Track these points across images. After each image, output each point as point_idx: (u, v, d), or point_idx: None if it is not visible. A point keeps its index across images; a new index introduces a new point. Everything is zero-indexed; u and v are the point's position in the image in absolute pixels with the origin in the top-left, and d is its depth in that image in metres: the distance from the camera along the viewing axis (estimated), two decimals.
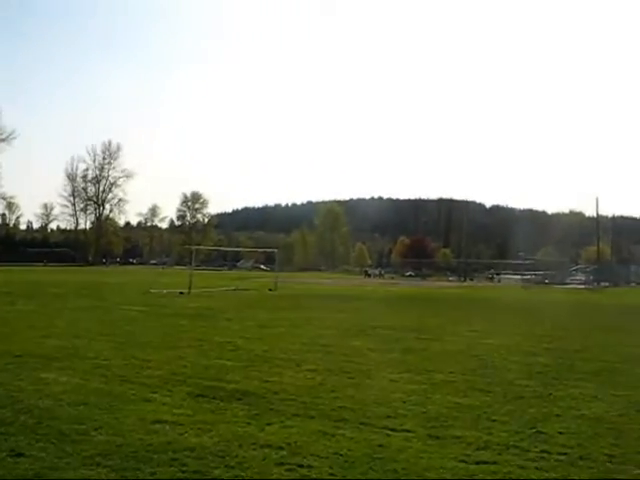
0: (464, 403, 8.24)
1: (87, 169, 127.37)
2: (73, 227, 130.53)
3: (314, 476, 5.38)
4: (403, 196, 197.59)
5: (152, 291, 33.08)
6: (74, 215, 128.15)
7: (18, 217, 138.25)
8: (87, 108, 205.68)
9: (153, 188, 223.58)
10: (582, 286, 71.76)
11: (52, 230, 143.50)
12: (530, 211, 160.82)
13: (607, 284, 72.77)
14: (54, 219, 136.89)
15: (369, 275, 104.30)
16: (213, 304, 26.26)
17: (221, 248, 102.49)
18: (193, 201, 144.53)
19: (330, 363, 11.17)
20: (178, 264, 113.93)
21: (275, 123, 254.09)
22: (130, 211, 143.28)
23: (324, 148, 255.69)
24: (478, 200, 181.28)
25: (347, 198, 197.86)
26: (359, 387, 9.15)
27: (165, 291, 33.29)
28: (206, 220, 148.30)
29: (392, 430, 6.83)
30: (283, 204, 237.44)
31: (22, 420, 6.80)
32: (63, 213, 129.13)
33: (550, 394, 8.94)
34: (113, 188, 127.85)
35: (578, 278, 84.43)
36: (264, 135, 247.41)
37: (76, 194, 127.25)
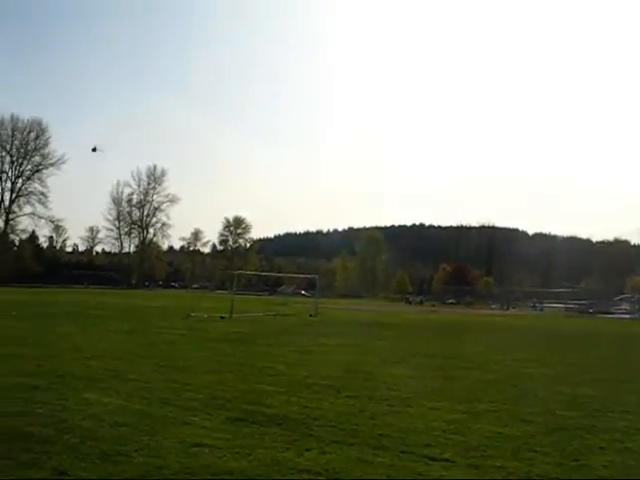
0: (505, 433, 8.13)
1: (132, 193, 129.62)
2: (117, 250, 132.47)
3: None
4: (445, 223, 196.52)
5: (193, 315, 33.25)
6: (119, 239, 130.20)
7: (65, 240, 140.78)
8: (133, 133, 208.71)
9: (196, 213, 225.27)
10: (627, 316, 70.41)
11: (97, 253, 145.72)
12: (574, 239, 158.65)
13: None
14: (99, 242, 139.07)
15: (410, 302, 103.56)
16: (254, 329, 26.32)
17: (262, 273, 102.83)
18: (235, 226, 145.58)
19: (370, 390, 11.12)
20: (219, 288, 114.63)
21: (315, 148, 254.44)
22: (173, 235, 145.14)
23: (364, 175, 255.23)
24: (521, 227, 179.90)
25: (388, 225, 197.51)
26: (399, 415, 9.08)
27: (206, 315, 33.44)
28: (248, 245, 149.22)
29: (431, 459, 6.76)
30: (324, 230, 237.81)
31: (65, 439, 6.90)
32: (108, 236, 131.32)
33: (593, 426, 8.76)
34: (157, 212, 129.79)
35: (623, 308, 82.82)
36: (305, 161, 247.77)
37: (121, 218, 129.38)
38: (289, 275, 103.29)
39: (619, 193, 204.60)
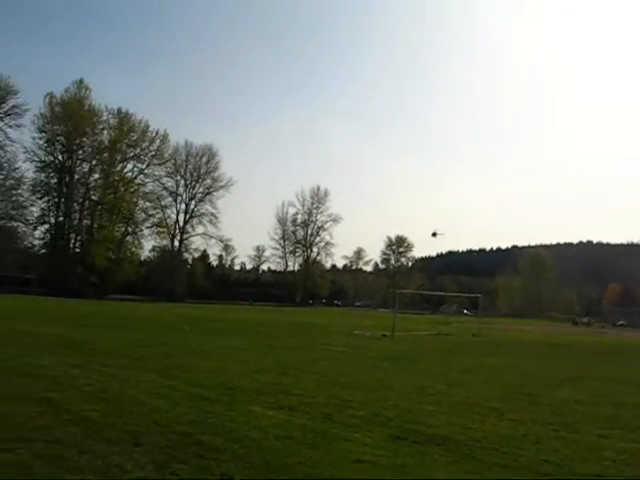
0: None
1: (296, 213, 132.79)
2: (283, 269, 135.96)
3: None
4: (614, 240, 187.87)
5: (356, 333, 33.63)
6: (284, 257, 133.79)
7: (233, 258, 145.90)
8: (299, 156, 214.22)
9: (359, 232, 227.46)
10: None
11: (263, 271, 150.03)
12: None
13: None
14: (265, 261, 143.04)
15: (577, 323, 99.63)
16: (415, 347, 26.30)
17: (424, 292, 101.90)
18: (397, 245, 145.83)
19: (534, 413, 10.85)
20: (382, 307, 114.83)
21: (488, 166, 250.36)
22: (336, 254, 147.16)
23: (526, 191, 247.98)
24: None
25: (554, 242, 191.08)
26: (564, 441, 8.78)
27: (368, 333, 33.73)
28: (410, 264, 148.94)
29: None
30: (487, 248, 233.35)
31: (233, 449, 7.23)
32: (273, 255, 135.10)
33: None
34: (320, 232, 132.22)
35: None
36: (471, 179, 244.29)
37: (286, 237, 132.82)
38: (451, 294, 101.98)
39: None
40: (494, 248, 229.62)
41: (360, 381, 13.87)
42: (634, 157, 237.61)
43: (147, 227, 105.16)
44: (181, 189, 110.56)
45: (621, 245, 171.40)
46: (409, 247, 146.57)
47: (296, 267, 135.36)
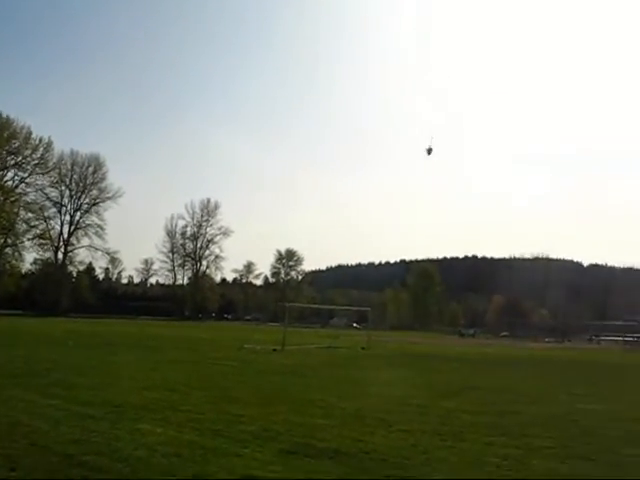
0: (562, 470, 7.96)
1: (186, 226, 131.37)
2: (171, 282, 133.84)
3: None
4: (497, 254, 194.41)
5: (246, 347, 33.40)
6: (172, 270, 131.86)
7: (120, 271, 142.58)
8: (188, 167, 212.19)
9: (249, 245, 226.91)
10: None
11: (151, 285, 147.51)
12: (632, 270, 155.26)
13: None
14: (154, 274, 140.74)
15: (463, 335, 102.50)
16: (306, 361, 26.29)
17: (314, 306, 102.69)
18: (288, 258, 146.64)
19: (423, 424, 10.99)
20: (272, 321, 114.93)
21: (366, 178, 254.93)
22: (226, 267, 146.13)
23: (415, 207, 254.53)
24: (575, 259, 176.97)
25: (440, 257, 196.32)
26: (452, 450, 8.93)
27: (259, 347, 33.56)
28: (300, 277, 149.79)
29: None
30: (376, 262, 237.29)
31: (118, 468, 6.98)
32: (162, 268, 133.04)
33: None
34: (210, 245, 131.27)
35: None
36: (357, 194, 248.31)
37: (175, 250, 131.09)
38: (341, 307, 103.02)
39: None
40: (383, 262, 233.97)
41: (250, 396, 13.71)
42: (512, 179, 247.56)
43: (29, 239, 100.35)
44: (66, 200, 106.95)
45: (504, 259, 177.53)
46: (299, 261, 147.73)
47: (185, 281, 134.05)
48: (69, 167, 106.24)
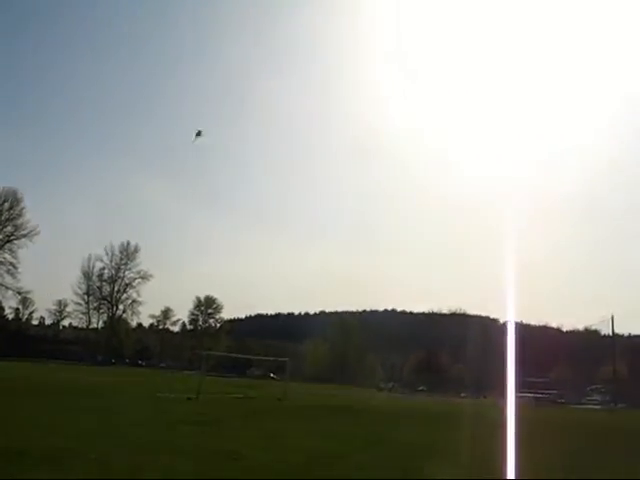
0: None
1: (104, 268, 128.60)
2: (85, 325, 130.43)
3: None
4: (417, 309, 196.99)
5: (159, 395, 32.66)
6: (87, 313, 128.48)
7: (32, 312, 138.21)
8: (109, 209, 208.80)
9: (167, 291, 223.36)
10: (598, 407, 70.26)
11: (64, 327, 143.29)
12: (545, 328, 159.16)
13: (624, 405, 71.16)
14: (67, 316, 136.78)
15: (381, 389, 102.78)
16: (220, 411, 25.82)
17: (232, 355, 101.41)
18: (207, 306, 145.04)
19: (335, 478, 10.84)
20: (188, 369, 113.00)
21: (286, 231, 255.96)
22: (143, 312, 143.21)
23: (338, 255, 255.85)
24: (492, 315, 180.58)
25: (360, 309, 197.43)
26: None
27: (173, 395, 32.88)
28: (218, 325, 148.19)
29: None
30: (296, 313, 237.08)
31: None
32: (76, 311, 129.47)
33: None
34: (128, 289, 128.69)
35: (594, 398, 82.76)
36: (277, 244, 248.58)
37: (91, 292, 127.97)
38: (259, 357, 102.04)
39: (589, 283, 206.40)
40: (302, 312, 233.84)
41: (160, 445, 13.29)
42: (428, 230, 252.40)
43: None
44: None
45: (423, 314, 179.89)
46: (218, 308, 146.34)
47: (100, 324, 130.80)
48: None
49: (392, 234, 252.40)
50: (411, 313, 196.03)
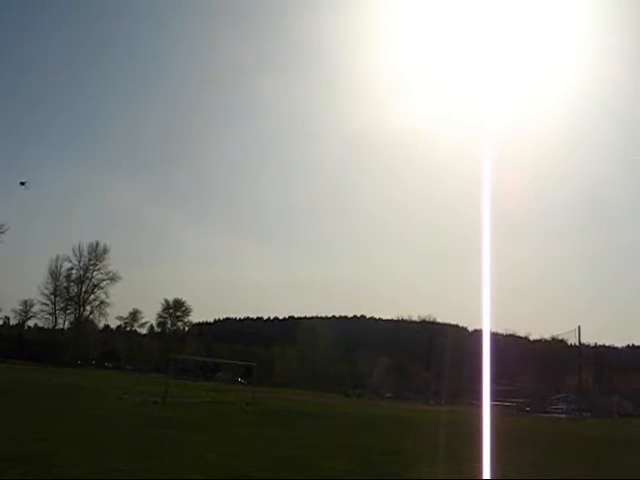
0: None
1: (72, 268, 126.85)
2: (51, 326, 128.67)
3: None
4: (386, 316, 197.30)
5: (126, 397, 32.32)
6: (53, 314, 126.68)
7: None
8: (78, 208, 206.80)
9: (136, 292, 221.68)
10: (563, 415, 70.92)
11: (29, 327, 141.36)
12: (513, 337, 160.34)
13: (589, 414, 71.90)
14: (32, 316, 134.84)
15: (348, 395, 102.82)
16: (187, 415, 25.62)
17: (199, 358, 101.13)
18: (175, 308, 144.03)
19: None
20: (155, 371, 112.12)
21: (257, 234, 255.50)
22: (111, 314, 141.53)
23: (307, 261, 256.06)
24: (461, 323, 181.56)
25: (329, 315, 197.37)
26: None
27: (139, 399, 32.55)
28: (187, 329, 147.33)
29: None
30: (265, 317, 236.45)
31: None
32: (42, 311, 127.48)
33: None
34: (96, 290, 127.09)
35: (560, 407, 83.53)
36: (247, 247, 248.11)
37: (58, 293, 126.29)
38: (227, 362, 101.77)
39: (557, 293, 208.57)
40: (271, 317, 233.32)
41: (127, 449, 13.08)
42: (400, 239, 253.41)
43: None
44: None
45: (391, 321, 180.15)
46: (187, 311, 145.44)
47: (66, 325, 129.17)
48: None
49: (363, 242, 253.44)
50: (381, 320, 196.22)
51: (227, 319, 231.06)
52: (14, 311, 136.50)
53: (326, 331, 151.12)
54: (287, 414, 33.63)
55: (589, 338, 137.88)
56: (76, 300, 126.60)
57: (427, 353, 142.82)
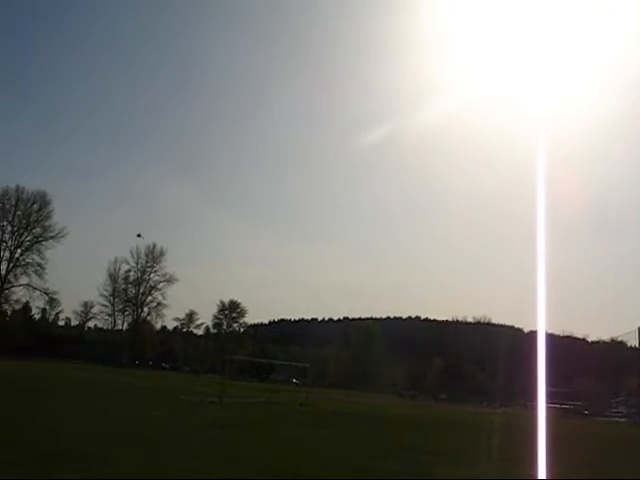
0: None
1: (129, 271, 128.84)
2: (110, 327, 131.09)
3: None
4: (440, 317, 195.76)
5: (183, 398, 32.87)
6: (112, 315, 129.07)
7: (58, 313, 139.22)
8: (136, 211, 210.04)
9: (192, 294, 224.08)
10: (623, 419, 69.60)
11: (89, 328, 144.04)
12: (570, 338, 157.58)
13: None
14: (92, 317, 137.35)
15: (402, 396, 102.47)
16: (242, 415, 25.97)
17: (255, 359, 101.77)
18: (231, 310, 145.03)
19: None
20: (211, 372, 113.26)
21: (313, 237, 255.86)
22: (168, 315, 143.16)
23: (361, 263, 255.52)
24: (517, 325, 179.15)
25: (384, 316, 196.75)
26: None
27: (196, 399, 33.06)
28: (242, 330, 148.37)
29: None
30: (319, 318, 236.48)
31: None
32: (102, 312, 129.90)
33: None
34: (153, 291, 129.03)
35: (619, 411, 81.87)
36: (302, 250, 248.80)
37: (116, 294, 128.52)
38: (281, 363, 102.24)
39: (616, 293, 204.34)
40: (326, 318, 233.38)
41: (183, 448, 13.45)
42: (454, 238, 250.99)
43: None
44: (7, 236, 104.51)
45: (447, 322, 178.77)
46: (242, 313, 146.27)
47: (124, 326, 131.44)
48: (13, 203, 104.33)
49: (416, 241, 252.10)
50: (435, 321, 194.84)
51: (282, 320, 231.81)
52: (75, 312, 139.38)
53: (380, 332, 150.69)
54: (339, 415, 33.79)
55: None
56: (134, 301, 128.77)
57: (482, 354, 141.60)
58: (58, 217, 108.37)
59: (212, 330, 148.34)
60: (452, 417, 45.07)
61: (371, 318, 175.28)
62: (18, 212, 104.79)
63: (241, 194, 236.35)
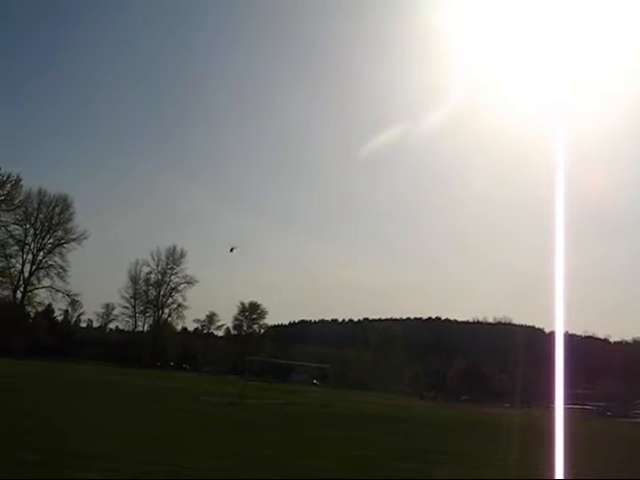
0: None
1: (150, 273, 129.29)
2: (131, 328, 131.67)
3: None
4: (461, 318, 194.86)
5: (204, 398, 32.99)
6: (133, 317, 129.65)
7: (80, 315, 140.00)
8: (157, 214, 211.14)
9: (213, 296, 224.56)
10: None
11: (111, 330, 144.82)
12: (591, 338, 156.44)
13: None
14: (114, 319, 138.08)
15: (423, 397, 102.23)
16: (263, 416, 26.05)
17: (275, 360, 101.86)
18: (251, 311, 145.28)
19: None
20: (231, 373, 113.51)
21: (332, 237, 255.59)
22: (188, 317, 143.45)
23: (381, 263, 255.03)
24: (537, 325, 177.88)
25: (404, 317, 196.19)
26: None
27: (217, 399, 33.18)
28: (262, 331, 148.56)
29: None
30: (340, 319, 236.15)
31: None
32: (123, 314, 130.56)
33: None
34: (173, 293, 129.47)
35: None
36: (324, 251, 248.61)
37: (137, 296, 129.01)
38: (302, 364, 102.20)
39: (638, 293, 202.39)
40: (346, 319, 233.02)
41: (204, 448, 13.52)
42: (473, 233, 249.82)
43: None
44: (30, 238, 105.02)
45: (467, 323, 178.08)
46: (262, 314, 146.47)
47: (145, 328, 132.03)
48: (35, 206, 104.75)
49: (437, 243, 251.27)
50: (455, 321, 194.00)
51: (302, 321, 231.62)
52: (97, 314, 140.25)
53: (401, 333, 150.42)
54: (360, 416, 33.76)
55: None
56: (155, 303, 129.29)
57: (503, 355, 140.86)
58: (79, 220, 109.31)
59: (232, 331, 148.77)
60: (473, 418, 44.96)
61: (391, 319, 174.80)
62: (40, 215, 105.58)
63: (260, 196, 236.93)
